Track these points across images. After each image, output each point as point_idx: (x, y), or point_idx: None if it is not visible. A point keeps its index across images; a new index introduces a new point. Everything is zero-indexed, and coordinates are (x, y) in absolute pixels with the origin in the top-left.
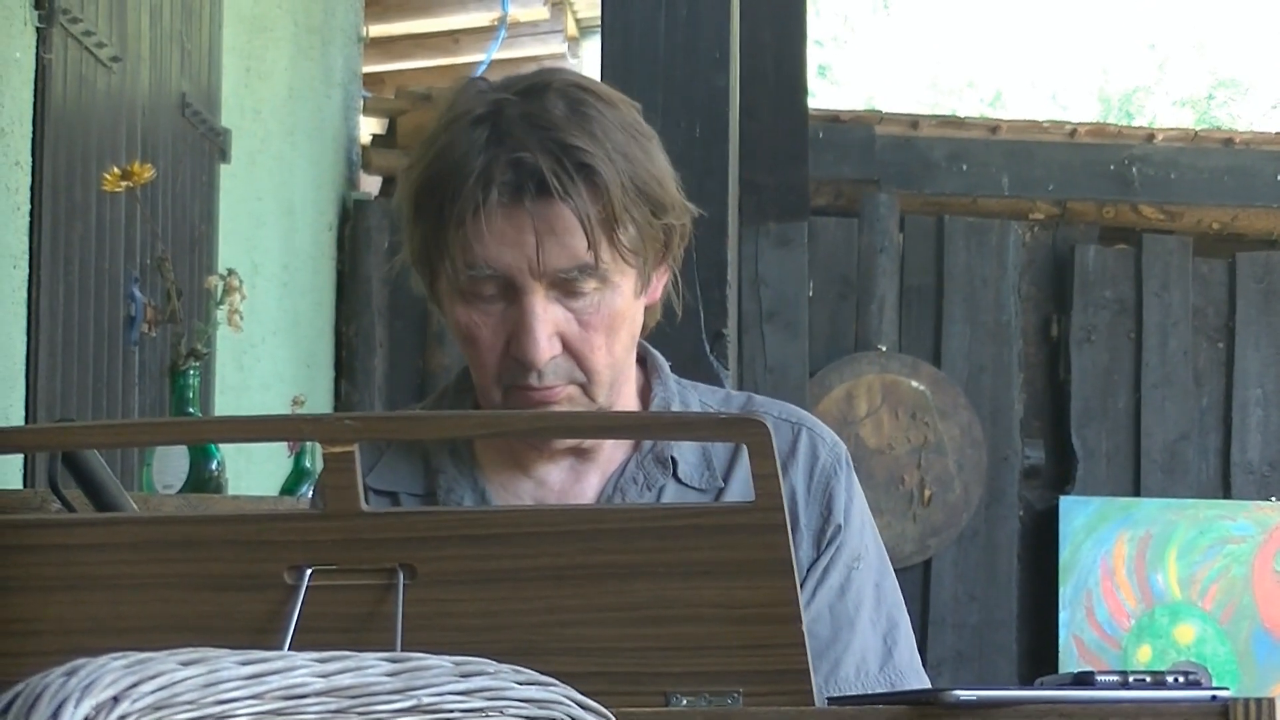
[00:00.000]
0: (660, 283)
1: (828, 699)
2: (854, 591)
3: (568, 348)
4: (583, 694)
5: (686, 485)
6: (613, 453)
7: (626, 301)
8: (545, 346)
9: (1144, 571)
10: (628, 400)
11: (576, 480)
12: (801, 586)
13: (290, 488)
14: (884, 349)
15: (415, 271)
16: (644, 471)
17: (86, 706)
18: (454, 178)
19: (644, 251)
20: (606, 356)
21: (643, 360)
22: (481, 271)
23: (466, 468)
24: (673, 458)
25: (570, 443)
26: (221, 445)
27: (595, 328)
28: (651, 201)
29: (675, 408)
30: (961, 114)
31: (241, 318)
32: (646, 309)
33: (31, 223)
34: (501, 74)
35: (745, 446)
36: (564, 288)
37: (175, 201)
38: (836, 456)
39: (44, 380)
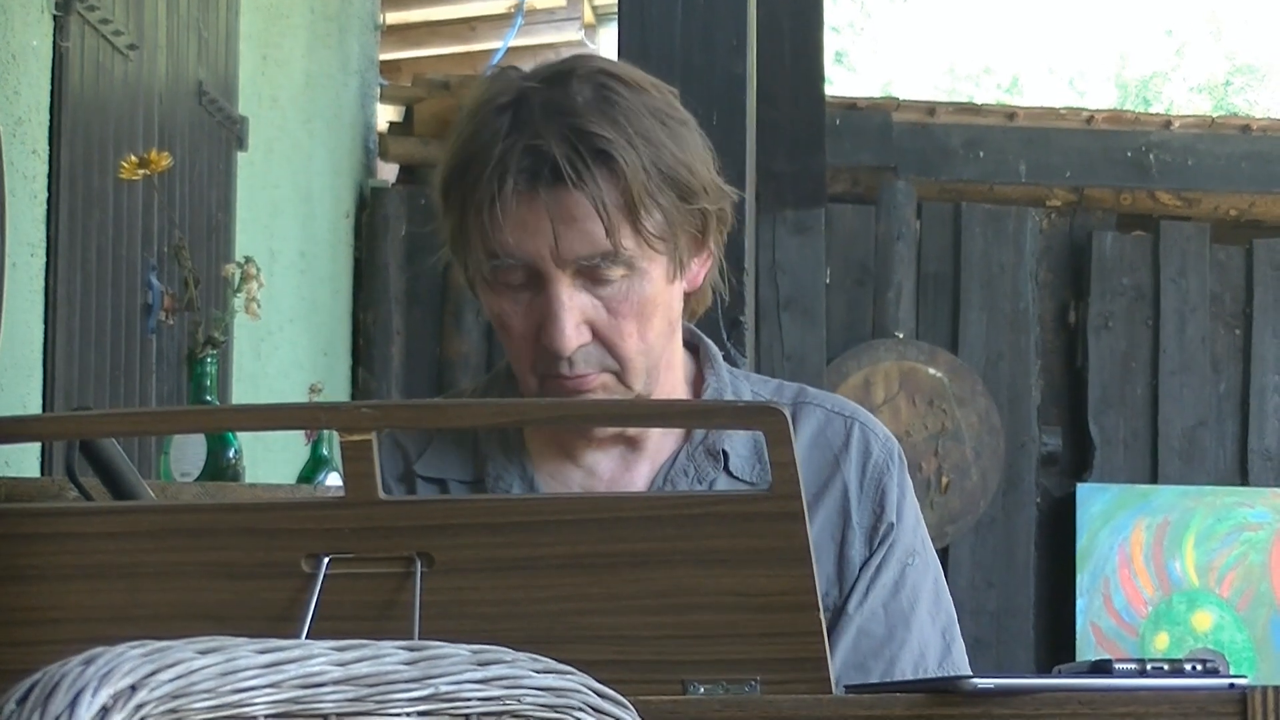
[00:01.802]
0: (703, 269)
1: (845, 686)
2: (909, 588)
3: (597, 335)
4: (600, 682)
5: (737, 478)
6: (663, 443)
7: (657, 288)
8: (572, 335)
9: (1161, 558)
10: (676, 389)
11: (626, 470)
12: (855, 585)
13: (308, 475)
14: (901, 336)
15: (454, 259)
16: (695, 464)
17: (104, 695)
18: (476, 166)
19: (673, 238)
20: (639, 343)
21: (695, 349)
22: (504, 261)
23: (515, 455)
24: (725, 451)
25: (617, 431)
26: (239, 433)
27: (624, 315)
28: (679, 186)
29: (727, 398)
30: (979, 101)
31: (259, 305)
32: (691, 295)
33: (49, 211)
34: (518, 61)
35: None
36: (589, 275)
37: (192, 189)
38: (889, 452)
39: (61, 368)
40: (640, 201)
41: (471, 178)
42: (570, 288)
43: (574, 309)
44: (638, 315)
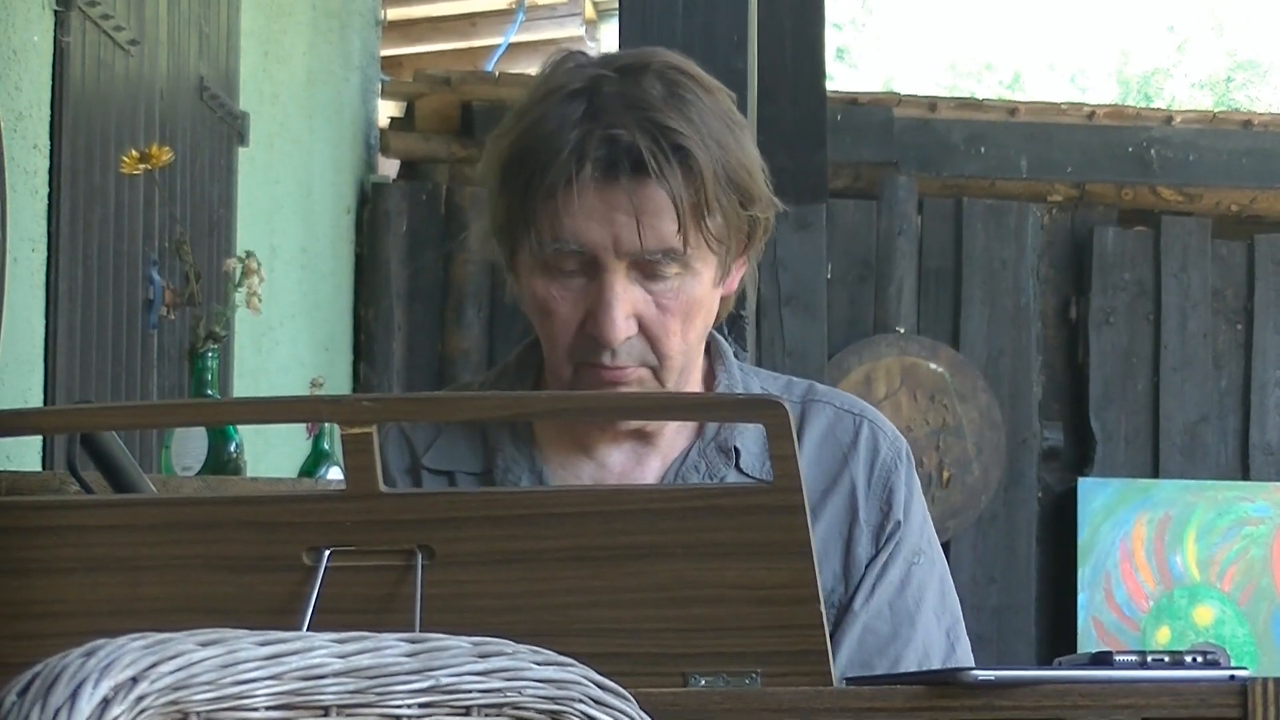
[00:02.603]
0: (738, 275)
1: (846, 679)
2: (915, 587)
3: (643, 330)
4: (601, 675)
5: (749, 475)
6: (676, 439)
7: (705, 289)
8: (622, 326)
9: (1163, 553)
10: (693, 385)
11: (638, 464)
12: (860, 582)
13: (309, 469)
14: (903, 331)
15: (495, 241)
16: (706, 460)
17: (105, 687)
18: (546, 150)
19: (728, 241)
20: (680, 342)
21: (707, 346)
22: (566, 246)
23: (525, 447)
24: (736, 447)
25: (632, 425)
26: (240, 427)
27: (673, 312)
28: (741, 191)
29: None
30: (980, 96)
31: (260, 301)
32: (723, 299)
33: (50, 206)
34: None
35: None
36: (645, 269)
37: (194, 185)
38: (897, 451)
39: (63, 363)
40: (710, 202)
41: (543, 161)
42: (625, 279)
43: (626, 300)
44: (684, 314)
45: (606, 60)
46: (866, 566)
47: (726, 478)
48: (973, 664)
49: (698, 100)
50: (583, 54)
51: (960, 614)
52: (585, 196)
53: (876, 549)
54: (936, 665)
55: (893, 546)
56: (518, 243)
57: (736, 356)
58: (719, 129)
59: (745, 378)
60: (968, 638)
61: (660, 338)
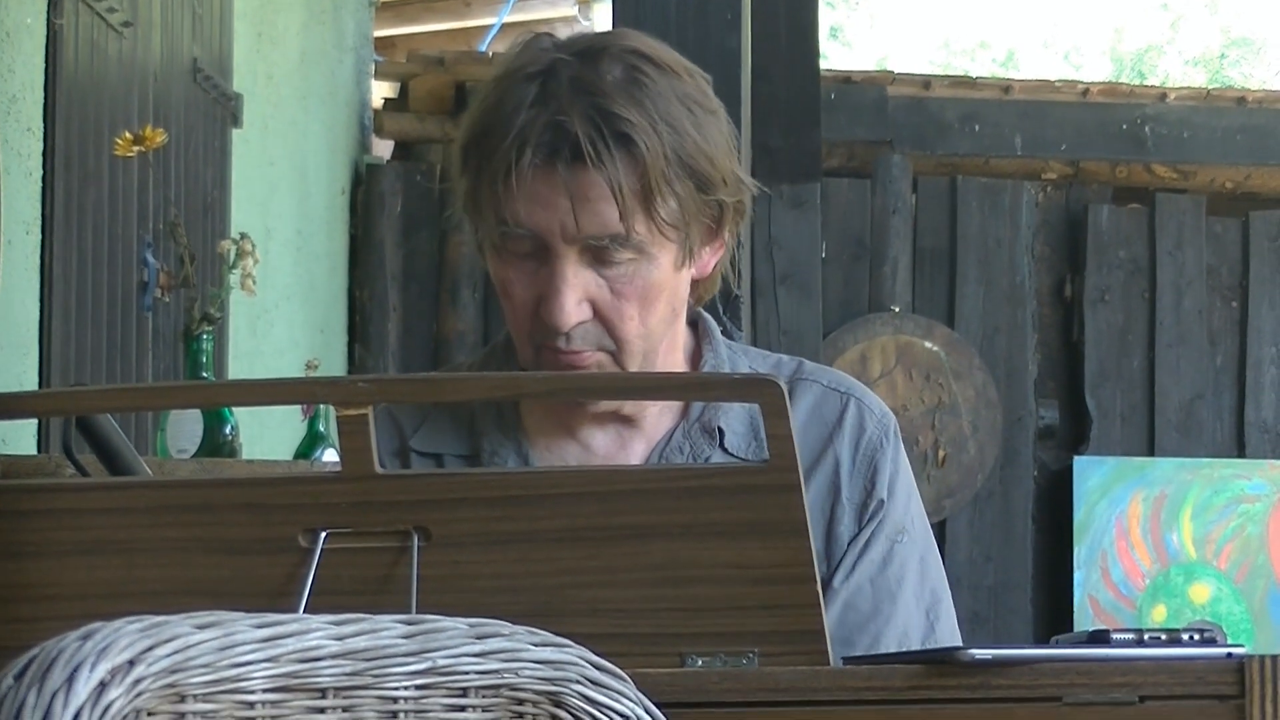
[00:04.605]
0: (713, 258)
1: (843, 659)
2: (896, 565)
3: (598, 314)
4: (598, 655)
5: (733, 455)
6: (659, 420)
7: (664, 274)
8: (571, 311)
9: (1159, 531)
10: (675, 366)
11: (622, 447)
12: (842, 560)
13: (304, 452)
14: (898, 310)
15: (467, 221)
16: (690, 441)
17: (102, 670)
18: (495, 134)
19: (686, 226)
20: (639, 327)
21: (694, 324)
22: (513, 230)
23: (511, 431)
24: (720, 428)
25: (614, 406)
26: (236, 409)
27: (628, 297)
28: (697, 176)
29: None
30: (974, 74)
31: (255, 282)
32: (700, 282)
33: (44, 188)
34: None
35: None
36: (597, 255)
37: (188, 166)
38: (884, 429)
39: (57, 346)
40: (657, 188)
41: (490, 145)
42: (575, 264)
43: (577, 286)
44: (641, 299)
45: (569, 42)
46: (849, 544)
47: (711, 458)
48: (959, 643)
49: (654, 84)
50: (550, 36)
51: (944, 594)
52: (526, 182)
53: (860, 527)
54: (916, 644)
55: (875, 524)
56: (477, 224)
57: (730, 336)
58: (676, 114)
59: (733, 356)
60: (954, 617)
61: (615, 323)
